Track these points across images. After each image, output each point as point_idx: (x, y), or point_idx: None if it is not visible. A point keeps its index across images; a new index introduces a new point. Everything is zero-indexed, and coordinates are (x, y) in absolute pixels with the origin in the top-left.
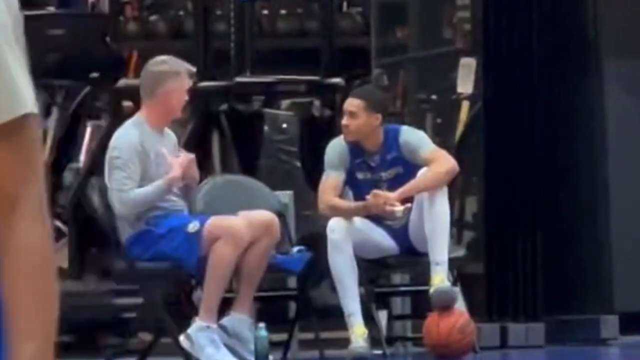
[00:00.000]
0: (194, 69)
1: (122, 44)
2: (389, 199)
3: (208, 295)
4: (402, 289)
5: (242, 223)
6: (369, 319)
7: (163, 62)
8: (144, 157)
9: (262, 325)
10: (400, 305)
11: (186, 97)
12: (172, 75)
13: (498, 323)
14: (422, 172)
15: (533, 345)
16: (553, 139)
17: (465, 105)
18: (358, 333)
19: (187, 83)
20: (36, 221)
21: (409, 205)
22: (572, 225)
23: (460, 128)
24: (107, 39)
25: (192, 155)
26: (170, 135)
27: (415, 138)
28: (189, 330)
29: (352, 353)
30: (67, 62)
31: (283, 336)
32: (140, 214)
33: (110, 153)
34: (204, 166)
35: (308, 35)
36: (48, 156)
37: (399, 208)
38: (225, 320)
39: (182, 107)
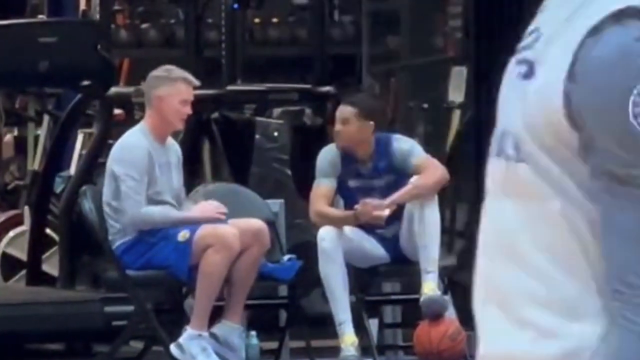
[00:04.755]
0: (195, 82)
1: (113, 52)
2: (378, 207)
3: (199, 303)
4: (393, 297)
5: (233, 231)
6: (360, 328)
7: (163, 70)
8: (151, 166)
9: (253, 333)
10: (391, 313)
11: (187, 111)
12: (166, 82)
13: None
14: (413, 180)
15: None
16: None
17: (456, 114)
18: (349, 341)
19: (184, 93)
20: None
21: (393, 206)
22: None
23: (451, 136)
24: (99, 47)
25: (222, 209)
26: (174, 146)
27: (407, 146)
28: (180, 339)
29: None
30: (58, 70)
31: (274, 344)
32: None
33: (118, 162)
34: (195, 174)
35: (299, 44)
36: (39, 164)
37: (386, 212)
38: (216, 329)
39: (179, 118)
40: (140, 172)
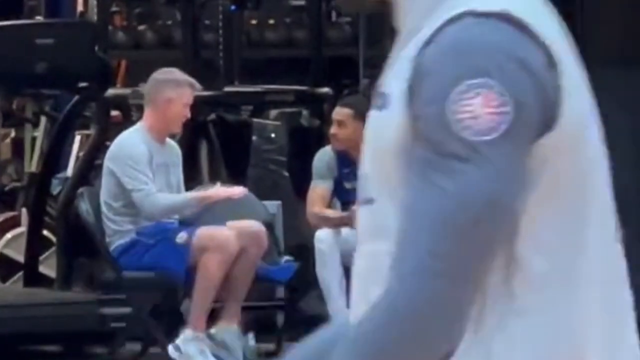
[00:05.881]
0: (198, 85)
1: (110, 54)
2: None
3: (197, 305)
4: None
5: (230, 233)
6: None
7: (168, 72)
8: (149, 164)
9: (250, 335)
10: None
11: (187, 114)
12: (173, 84)
13: None
14: None
15: None
16: None
17: None
18: None
19: (188, 96)
20: None
21: None
22: None
23: None
24: (96, 48)
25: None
26: (173, 147)
27: None
28: (178, 341)
29: None
30: (55, 72)
31: (271, 346)
32: (129, 223)
33: (116, 160)
34: (192, 176)
35: (296, 45)
36: (36, 165)
37: None
38: (213, 330)
39: (181, 121)
40: (141, 163)
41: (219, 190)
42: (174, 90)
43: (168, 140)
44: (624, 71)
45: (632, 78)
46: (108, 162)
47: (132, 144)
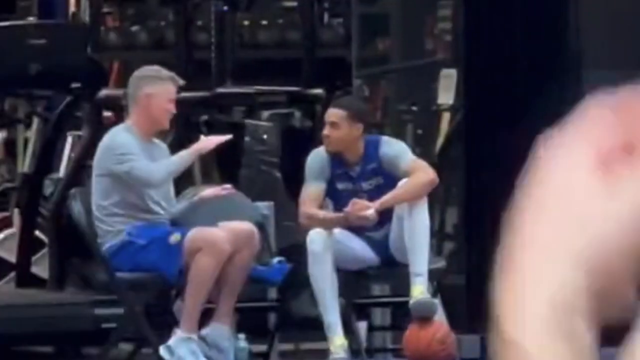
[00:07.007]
0: (180, 80)
1: (103, 54)
2: (368, 208)
3: (189, 306)
4: (382, 300)
5: (223, 234)
6: (349, 330)
7: (148, 69)
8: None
9: (242, 336)
10: (380, 316)
11: (173, 109)
12: (154, 80)
13: (478, 334)
14: (402, 183)
15: None
16: (534, 150)
17: (446, 117)
18: (338, 344)
19: (171, 91)
20: None
21: (377, 207)
22: None
23: (440, 139)
24: (88, 49)
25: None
26: (161, 146)
27: (396, 149)
28: (170, 342)
29: None
30: (47, 73)
31: (263, 347)
32: (120, 223)
33: (107, 158)
34: (185, 177)
35: (289, 46)
36: (29, 166)
37: (371, 211)
38: (205, 331)
39: (166, 116)
40: (129, 148)
41: (210, 140)
42: (152, 86)
43: (155, 140)
44: (617, 75)
45: (624, 81)
46: (97, 161)
47: (118, 136)
